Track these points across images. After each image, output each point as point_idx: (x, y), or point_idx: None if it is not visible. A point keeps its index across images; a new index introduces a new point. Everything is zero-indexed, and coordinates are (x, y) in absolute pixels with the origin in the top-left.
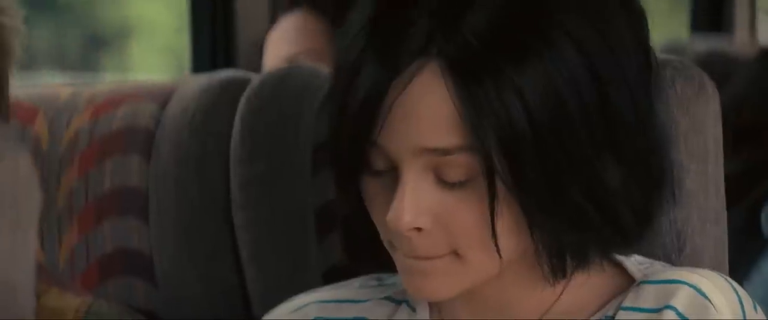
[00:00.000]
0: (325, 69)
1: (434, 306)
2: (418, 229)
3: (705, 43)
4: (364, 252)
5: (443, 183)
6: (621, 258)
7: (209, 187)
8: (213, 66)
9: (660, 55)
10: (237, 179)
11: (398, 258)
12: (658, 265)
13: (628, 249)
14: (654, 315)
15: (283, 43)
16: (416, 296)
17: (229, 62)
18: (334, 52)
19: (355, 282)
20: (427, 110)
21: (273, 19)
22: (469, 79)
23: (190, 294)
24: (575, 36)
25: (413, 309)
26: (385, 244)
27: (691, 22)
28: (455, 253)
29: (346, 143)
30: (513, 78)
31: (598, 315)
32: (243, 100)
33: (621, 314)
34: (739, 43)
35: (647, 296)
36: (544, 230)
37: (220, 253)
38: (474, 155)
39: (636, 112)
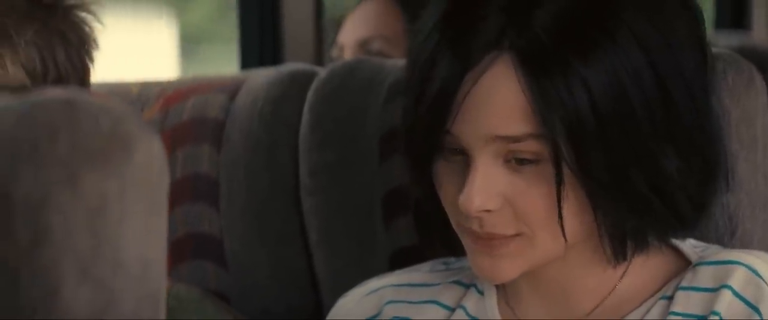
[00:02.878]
0: (391, 61)
1: (501, 290)
2: (488, 211)
3: (729, 39)
4: (434, 235)
5: (512, 167)
6: (677, 242)
7: (278, 174)
8: (260, 63)
9: (714, 49)
10: (306, 166)
11: (467, 242)
12: (713, 248)
13: (685, 233)
14: (711, 295)
15: (359, 26)
16: (483, 277)
17: (275, 60)
18: (409, 47)
19: (424, 266)
20: (499, 100)
21: (318, 19)
22: (539, 72)
23: (260, 277)
24: (637, 32)
25: (481, 293)
26: (455, 227)
27: (715, 19)
28: (522, 234)
29: (422, 131)
30: (580, 71)
31: (656, 296)
32: (312, 91)
33: (679, 294)
34: (757, 39)
35: (704, 277)
36: (607, 214)
37: (288, 237)
38: (542, 142)
39: (693, 106)
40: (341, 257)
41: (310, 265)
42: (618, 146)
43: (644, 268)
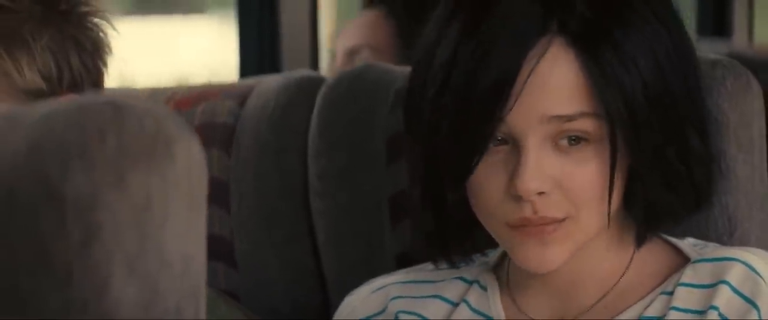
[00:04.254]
0: (398, 67)
1: (503, 286)
2: (541, 194)
3: (714, 46)
4: (453, 240)
5: (560, 149)
6: (676, 240)
7: (287, 177)
8: (259, 71)
9: (711, 55)
10: (315, 169)
11: (513, 236)
12: (711, 246)
13: (698, 212)
14: (710, 290)
15: (349, 35)
16: (533, 267)
17: (273, 67)
18: (424, 54)
19: (429, 265)
20: (554, 81)
21: (314, 27)
22: (593, 52)
23: (269, 276)
24: (661, 17)
25: (484, 288)
26: (495, 226)
27: (697, 26)
28: (569, 218)
29: (475, 122)
30: (627, 49)
31: (657, 291)
32: (320, 97)
33: (679, 290)
34: (737, 46)
35: (703, 273)
36: (646, 186)
37: (297, 238)
38: (594, 120)
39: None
40: (349, 257)
41: (318, 265)
42: (660, 121)
43: (645, 264)
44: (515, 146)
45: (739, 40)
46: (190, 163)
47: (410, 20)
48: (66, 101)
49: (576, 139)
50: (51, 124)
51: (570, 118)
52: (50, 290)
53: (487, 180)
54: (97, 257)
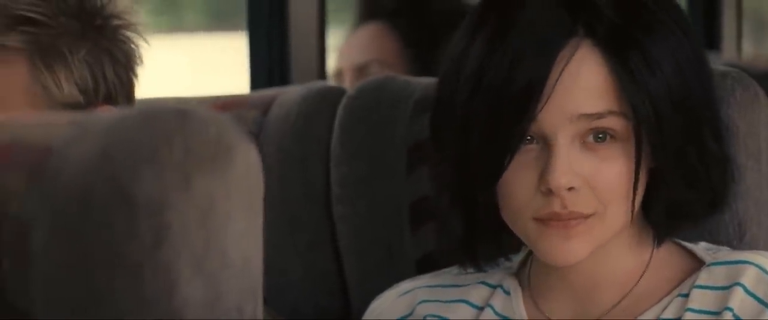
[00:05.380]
0: (416, 79)
1: (526, 290)
2: (570, 189)
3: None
4: (480, 241)
5: (588, 147)
6: (690, 245)
7: (310, 184)
8: (269, 82)
9: (721, 67)
10: (337, 178)
11: (539, 230)
12: (724, 250)
13: (715, 213)
14: (724, 292)
15: (356, 51)
16: (554, 260)
17: (283, 78)
18: (454, 61)
19: (453, 269)
20: (583, 82)
21: (322, 41)
22: (619, 55)
23: (293, 281)
24: (682, 28)
25: (507, 293)
26: (521, 224)
27: None
28: (596, 214)
29: (508, 122)
30: (652, 51)
31: (673, 294)
32: (341, 107)
33: (694, 292)
34: (726, 58)
35: (718, 276)
36: (668, 185)
37: (320, 244)
38: (620, 118)
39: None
40: (369, 262)
41: (340, 270)
42: (682, 125)
43: (662, 267)
44: (545, 145)
45: (727, 53)
46: (248, 168)
47: (416, 31)
48: (132, 109)
49: (603, 137)
50: (121, 130)
51: (598, 116)
52: (123, 288)
53: (517, 178)
54: (166, 257)
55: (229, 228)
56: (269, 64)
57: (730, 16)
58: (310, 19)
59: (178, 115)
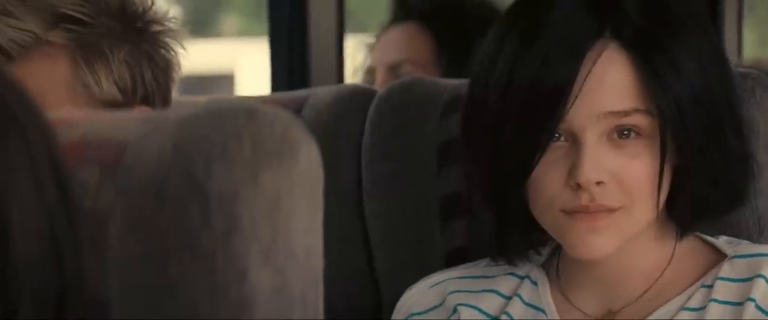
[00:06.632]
0: (445, 80)
1: (553, 281)
2: (598, 184)
3: None
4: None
5: (615, 144)
6: (711, 239)
7: (342, 181)
8: (290, 85)
9: (742, 69)
10: (368, 175)
11: (567, 224)
12: (744, 243)
13: (734, 210)
14: (746, 284)
15: (389, 51)
16: (581, 253)
17: (303, 81)
18: (485, 64)
19: (481, 262)
20: (610, 81)
21: (340, 45)
22: (644, 54)
23: (325, 275)
24: (704, 30)
25: (535, 283)
26: (550, 219)
27: None
28: (623, 208)
29: (539, 120)
30: (675, 52)
31: (697, 285)
32: (373, 107)
33: (718, 283)
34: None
35: (740, 268)
36: (692, 181)
37: (351, 239)
38: (645, 116)
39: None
40: (400, 257)
41: (371, 264)
42: (704, 122)
43: (686, 260)
44: (574, 142)
45: (729, 56)
46: (310, 164)
47: (449, 33)
48: (202, 107)
49: (628, 134)
50: (192, 127)
51: (624, 114)
52: (197, 275)
53: (546, 174)
54: (237, 247)
55: (293, 220)
56: (289, 67)
57: (730, 19)
58: (329, 24)
59: (246, 113)
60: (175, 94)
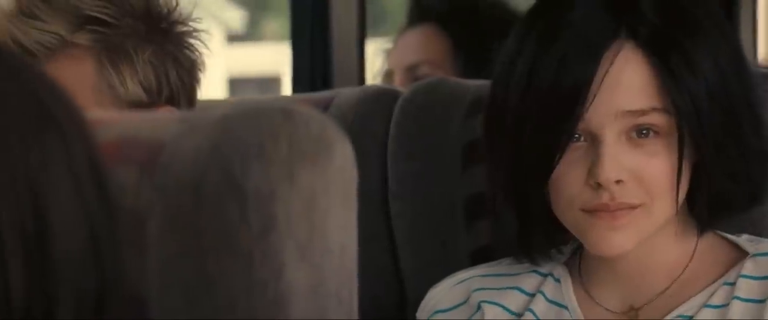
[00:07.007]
0: (469, 81)
1: (576, 278)
2: (618, 182)
3: None
4: (535, 232)
5: (634, 143)
6: (733, 237)
7: (367, 181)
8: (312, 87)
9: (761, 70)
10: (394, 174)
11: (588, 222)
12: (765, 241)
13: (754, 207)
14: None
15: (406, 52)
16: (601, 250)
17: (325, 83)
18: (507, 65)
19: (505, 260)
20: (627, 81)
21: (361, 48)
22: (660, 54)
23: None
24: (722, 30)
25: (558, 281)
26: (571, 217)
27: None
28: (643, 205)
29: (558, 121)
30: (691, 52)
31: (719, 282)
32: (397, 107)
33: (741, 281)
34: None
35: (763, 266)
36: (710, 178)
37: (377, 238)
38: (662, 114)
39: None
40: (425, 256)
41: (396, 263)
42: (722, 120)
43: (707, 257)
44: (593, 142)
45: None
46: (344, 163)
47: (465, 33)
48: (238, 107)
49: (646, 132)
50: (229, 126)
51: (642, 113)
52: (234, 273)
53: (567, 174)
54: (274, 244)
55: (328, 218)
56: (311, 69)
57: (746, 21)
58: (350, 28)
59: (282, 113)
60: (200, 93)
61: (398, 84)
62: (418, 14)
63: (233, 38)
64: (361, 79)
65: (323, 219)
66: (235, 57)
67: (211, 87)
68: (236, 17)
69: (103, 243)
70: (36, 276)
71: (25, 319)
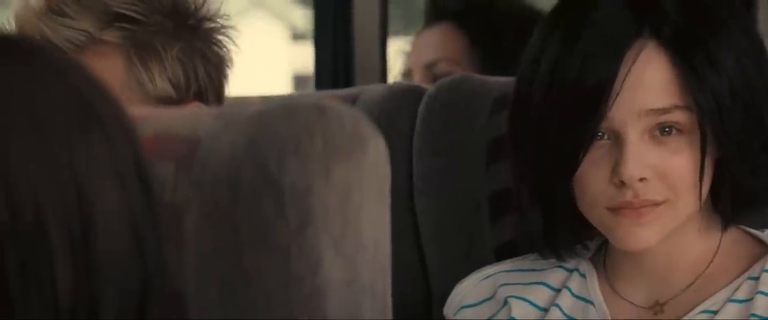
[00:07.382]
0: (494, 78)
1: (601, 273)
2: (642, 180)
3: None
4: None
5: (657, 141)
6: (757, 232)
7: (393, 177)
8: (334, 85)
9: None
10: (419, 171)
11: (613, 218)
12: None
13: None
14: None
15: (424, 50)
16: (626, 246)
17: (347, 81)
18: (530, 64)
19: (530, 256)
20: (649, 79)
21: (383, 46)
22: (682, 52)
23: None
24: (744, 29)
25: (583, 276)
26: (596, 214)
27: None
28: (667, 202)
29: (581, 119)
30: (713, 50)
31: (744, 276)
32: (423, 104)
33: (765, 276)
34: None
35: None
36: (733, 173)
37: (403, 234)
38: (685, 112)
39: None
40: (450, 252)
41: (422, 259)
42: (744, 117)
43: (732, 252)
44: (616, 140)
45: None
46: (378, 159)
47: (482, 31)
48: (273, 103)
49: (669, 130)
50: (265, 122)
51: (664, 111)
52: (271, 268)
53: (591, 172)
54: (310, 239)
55: (363, 213)
56: (334, 67)
57: (764, 17)
58: (373, 26)
59: (317, 109)
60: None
61: (419, 80)
62: (435, 13)
63: (298, 36)
64: (383, 77)
65: (358, 214)
66: (301, 54)
67: (277, 83)
68: (302, 16)
69: (146, 237)
70: (81, 276)
71: None
